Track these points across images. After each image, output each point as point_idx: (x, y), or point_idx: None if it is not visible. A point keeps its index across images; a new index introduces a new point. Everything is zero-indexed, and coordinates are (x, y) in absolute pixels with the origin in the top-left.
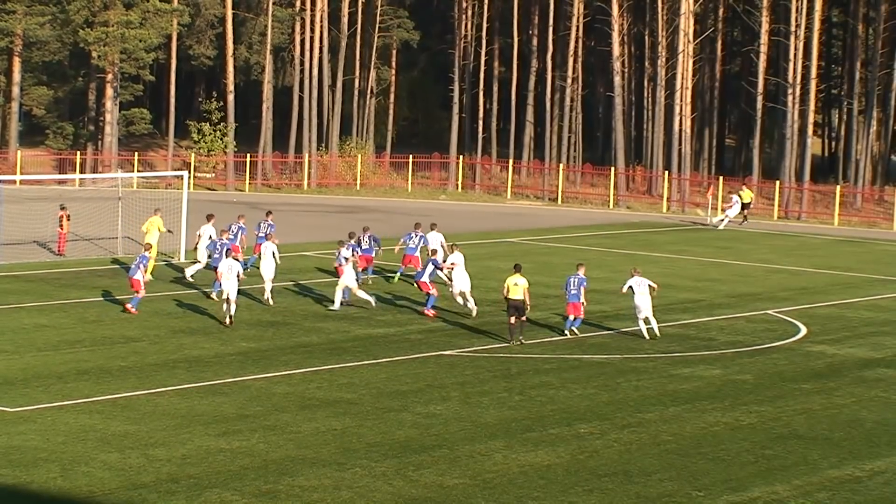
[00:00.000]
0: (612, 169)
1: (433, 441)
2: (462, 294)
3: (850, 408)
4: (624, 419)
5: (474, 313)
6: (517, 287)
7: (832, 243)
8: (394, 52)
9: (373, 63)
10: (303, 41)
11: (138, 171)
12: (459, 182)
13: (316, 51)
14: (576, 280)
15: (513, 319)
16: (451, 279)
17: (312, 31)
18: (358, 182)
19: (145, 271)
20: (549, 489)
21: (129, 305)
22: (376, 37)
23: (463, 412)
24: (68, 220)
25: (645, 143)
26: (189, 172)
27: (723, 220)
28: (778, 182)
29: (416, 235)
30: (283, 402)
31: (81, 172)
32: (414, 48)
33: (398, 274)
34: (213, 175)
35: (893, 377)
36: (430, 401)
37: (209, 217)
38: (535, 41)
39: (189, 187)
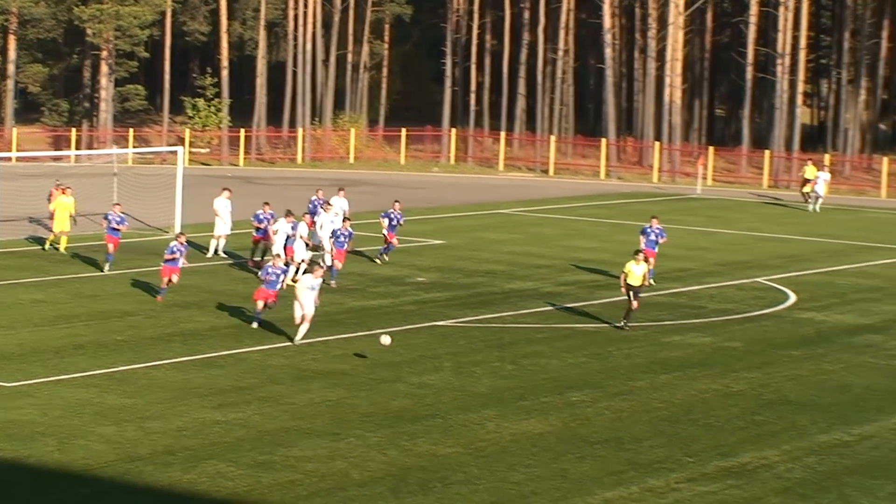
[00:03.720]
0: (604, 140)
1: (426, 411)
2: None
3: (838, 373)
4: (615, 387)
5: None
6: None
7: (821, 211)
8: (387, 26)
9: (366, 38)
10: (296, 16)
11: (133, 147)
12: (452, 154)
13: (309, 26)
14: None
15: (636, 304)
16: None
17: (306, 6)
18: (352, 155)
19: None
20: (541, 457)
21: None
22: (369, 11)
23: (456, 382)
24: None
25: (636, 114)
26: (184, 148)
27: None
28: (768, 151)
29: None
30: (279, 373)
31: (77, 149)
32: (406, 22)
33: None
34: (208, 150)
35: (881, 343)
36: (423, 371)
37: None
38: (526, 14)
39: (184, 162)
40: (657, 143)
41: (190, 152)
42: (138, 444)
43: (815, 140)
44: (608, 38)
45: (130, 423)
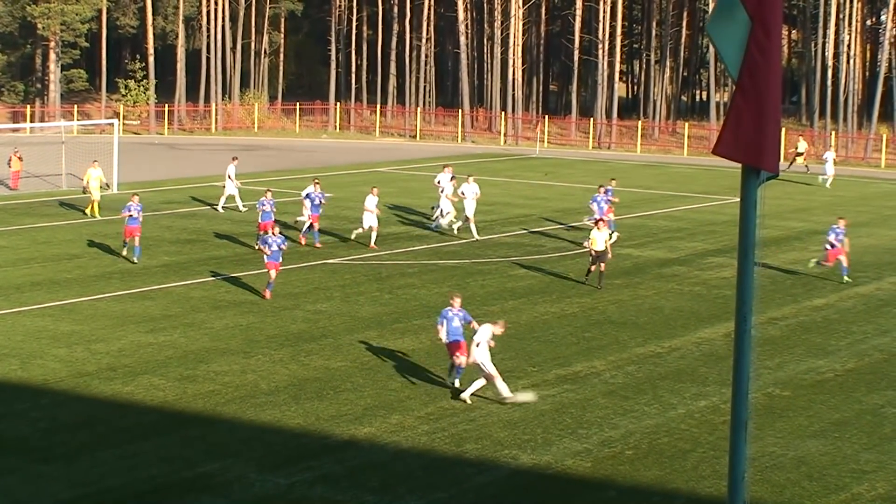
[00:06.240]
0: (460, 111)
1: (320, 332)
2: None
3: (651, 298)
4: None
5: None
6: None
7: (636, 167)
8: (282, 19)
9: (265, 29)
10: (209, 12)
11: (77, 120)
12: (337, 124)
13: (219, 19)
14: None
15: (594, 267)
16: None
17: (216, 3)
18: (255, 125)
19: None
20: (413, 368)
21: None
22: (268, 7)
23: (344, 308)
24: (20, 160)
25: (485, 89)
26: (118, 120)
27: (827, 179)
28: (592, 119)
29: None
30: (199, 304)
31: (31, 122)
32: (298, 16)
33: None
34: (138, 122)
35: (685, 273)
36: (317, 300)
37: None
38: (395, 9)
39: (119, 132)
40: (503, 113)
41: (123, 124)
42: (86, 362)
43: (629, 110)
44: (462, 28)
45: (79, 346)
